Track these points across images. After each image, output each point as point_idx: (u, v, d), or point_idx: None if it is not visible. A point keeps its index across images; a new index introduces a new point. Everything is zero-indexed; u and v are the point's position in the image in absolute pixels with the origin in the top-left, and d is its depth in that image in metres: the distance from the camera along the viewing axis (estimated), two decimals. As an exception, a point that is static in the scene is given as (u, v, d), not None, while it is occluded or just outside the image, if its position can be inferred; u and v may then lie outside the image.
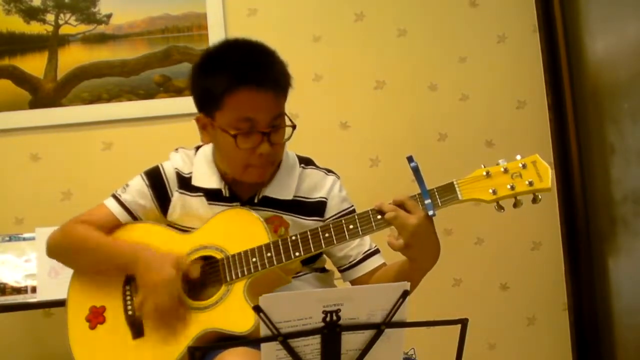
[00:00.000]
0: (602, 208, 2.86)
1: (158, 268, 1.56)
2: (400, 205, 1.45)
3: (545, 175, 1.44)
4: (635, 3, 2.57)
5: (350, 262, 1.69)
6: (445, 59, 2.97)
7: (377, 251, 1.71)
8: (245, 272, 1.54)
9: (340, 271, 1.72)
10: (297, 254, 1.52)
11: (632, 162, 2.66)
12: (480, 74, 2.98)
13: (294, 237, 1.53)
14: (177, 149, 1.77)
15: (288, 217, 1.66)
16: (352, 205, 1.72)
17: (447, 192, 1.46)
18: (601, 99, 2.84)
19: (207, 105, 1.60)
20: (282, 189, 1.67)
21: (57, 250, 1.74)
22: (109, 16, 2.83)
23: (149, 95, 2.83)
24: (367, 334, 1.24)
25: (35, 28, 2.80)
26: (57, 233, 1.74)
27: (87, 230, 1.68)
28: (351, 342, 1.24)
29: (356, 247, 1.68)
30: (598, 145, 2.85)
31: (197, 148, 1.75)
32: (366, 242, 1.70)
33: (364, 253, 1.69)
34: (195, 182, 1.69)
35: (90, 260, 1.69)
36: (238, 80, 1.54)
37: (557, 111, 2.97)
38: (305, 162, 1.74)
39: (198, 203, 1.68)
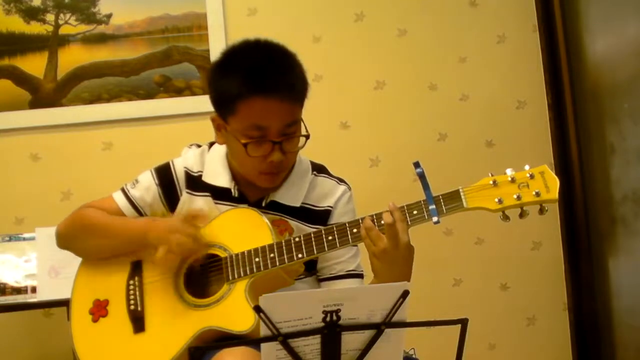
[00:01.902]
0: (602, 208, 2.86)
1: (164, 221, 1.59)
2: (392, 224, 1.43)
3: (553, 186, 1.44)
4: (635, 3, 2.57)
5: (331, 273, 1.67)
6: (445, 59, 2.98)
7: (359, 275, 1.68)
8: (248, 272, 1.54)
9: (319, 279, 1.70)
10: (300, 255, 1.52)
11: (632, 162, 2.66)
12: (480, 74, 2.98)
13: (297, 239, 1.53)
14: (190, 145, 1.76)
15: (293, 223, 1.65)
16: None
17: (453, 199, 1.45)
18: (601, 99, 2.84)
19: (222, 108, 1.59)
20: (291, 195, 1.66)
21: (68, 234, 1.73)
22: (109, 16, 2.83)
23: (149, 95, 2.83)
24: (367, 334, 1.24)
25: (35, 28, 2.80)
26: (66, 220, 1.73)
27: (96, 213, 1.69)
28: (351, 342, 1.24)
29: (343, 262, 1.67)
30: (598, 145, 2.85)
31: (212, 144, 1.74)
32: (355, 262, 1.68)
33: (347, 271, 1.67)
34: (206, 178, 1.68)
35: (102, 238, 1.68)
36: (250, 87, 1.52)
37: (557, 111, 2.97)
38: (318, 169, 1.73)
39: (203, 202, 1.67)
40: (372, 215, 1.48)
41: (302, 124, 1.61)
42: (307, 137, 1.60)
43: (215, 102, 1.62)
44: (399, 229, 1.44)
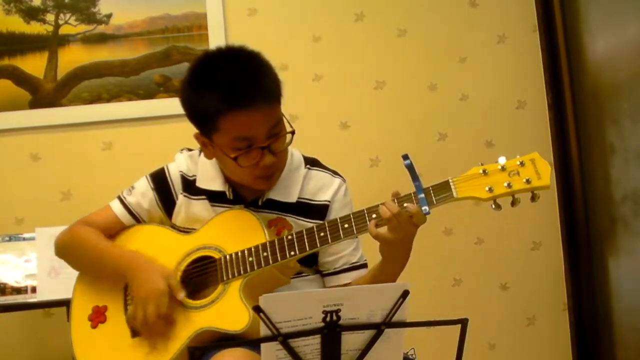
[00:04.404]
0: (602, 208, 2.86)
1: (148, 279, 1.57)
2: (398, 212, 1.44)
3: (545, 173, 1.42)
4: (635, 3, 2.57)
5: (335, 268, 1.68)
6: (445, 59, 2.98)
7: (364, 265, 1.69)
8: (242, 272, 1.54)
9: (322, 274, 1.70)
10: (292, 253, 1.52)
11: (632, 162, 2.66)
12: (480, 74, 2.98)
13: (289, 237, 1.53)
14: (182, 150, 1.77)
15: (291, 219, 1.65)
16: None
17: (443, 190, 1.44)
18: (601, 99, 2.84)
19: (202, 126, 1.59)
20: (286, 191, 1.66)
21: (63, 252, 1.77)
22: (109, 16, 2.83)
23: (149, 95, 2.83)
24: (367, 334, 1.24)
25: (35, 28, 2.80)
26: (64, 234, 1.75)
27: (90, 235, 1.70)
28: (351, 342, 1.24)
29: (346, 255, 1.68)
30: (598, 145, 2.85)
31: None
32: (357, 254, 1.69)
33: (351, 264, 1.68)
34: (200, 183, 1.69)
35: (90, 267, 1.72)
36: (228, 103, 1.51)
37: (557, 111, 2.97)
38: (311, 162, 1.73)
39: (201, 206, 1.68)
40: (392, 200, 1.47)
41: (284, 120, 1.60)
42: (293, 133, 1.59)
43: (194, 120, 1.60)
44: (411, 210, 1.45)
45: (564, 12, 2.94)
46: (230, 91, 1.52)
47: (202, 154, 1.72)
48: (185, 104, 1.61)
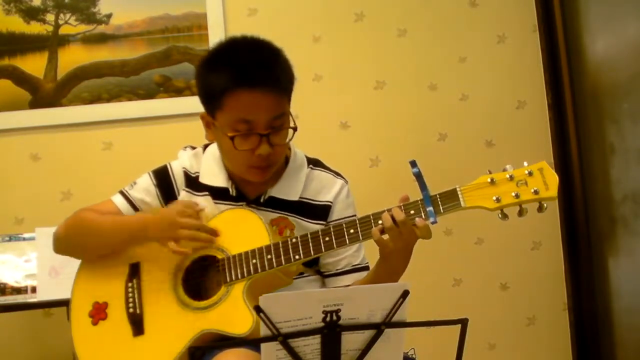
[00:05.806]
0: (602, 208, 2.86)
1: (165, 214, 1.60)
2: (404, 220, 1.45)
3: (552, 183, 1.42)
4: (635, 3, 2.57)
5: (337, 269, 1.68)
6: (445, 59, 2.98)
7: (365, 268, 1.69)
8: (245, 274, 1.54)
9: (324, 275, 1.71)
10: (297, 257, 1.52)
11: (632, 162, 2.66)
12: (480, 74, 2.98)
13: (294, 240, 1.53)
14: (185, 147, 1.77)
15: (293, 219, 1.65)
16: (355, 215, 1.69)
17: (450, 199, 1.43)
18: (601, 99, 2.84)
19: (209, 104, 1.61)
20: (288, 189, 1.67)
21: (66, 238, 1.73)
22: (109, 16, 2.83)
23: (149, 95, 2.83)
24: (367, 334, 1.24)
25: (35, 28, 2.80)
26: (65, 223, 1.73)
27: (93, 214, 1.69)
28: (351, 342, 1.24)
29: (348, 257, 1.68)
30: (598, 145, 2.85)
31: (206, 146, 1.75)
32: (359, 256, 1.69)
33: (353, 265, 1.68)
34: (203, 179, 1.69)
35: (101, 242, 1.68)
36: (236, 81, 1.53)
37: (557, 111, 2.97)
38: (314, 163, 1.73)
39: (204, 202, 1.67)
40: (400, 206, 1.47)
41: (290, 117, 1.61)
42: (295, 129, 1.60)
43: (203, 98, 1.63)
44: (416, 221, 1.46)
45: (564, 12, 2.94)
46: (240, 70, 1.54)
47: (206, 150, 1.73)
48: (197, 80, 1.64)
